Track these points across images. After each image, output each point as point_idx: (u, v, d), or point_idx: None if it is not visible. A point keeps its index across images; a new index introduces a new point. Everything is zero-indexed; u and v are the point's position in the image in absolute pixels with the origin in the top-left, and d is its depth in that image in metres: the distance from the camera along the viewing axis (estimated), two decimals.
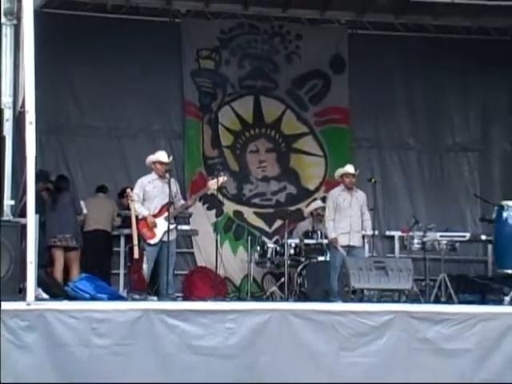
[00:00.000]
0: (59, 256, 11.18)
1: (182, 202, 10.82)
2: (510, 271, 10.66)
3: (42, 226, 10.33)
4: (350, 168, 11.31)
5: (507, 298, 10.39)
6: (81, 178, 13.04)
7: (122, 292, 11.08)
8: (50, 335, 8.02)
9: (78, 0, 12.79)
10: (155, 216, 10.39)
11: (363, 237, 11.20)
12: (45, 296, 9.32)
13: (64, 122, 13.14)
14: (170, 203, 10.35)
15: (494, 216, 11.00)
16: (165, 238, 10.30)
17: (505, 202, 10.96)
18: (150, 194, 10.47)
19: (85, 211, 11.68)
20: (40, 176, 10.01)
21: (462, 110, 14.32)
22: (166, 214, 10.33)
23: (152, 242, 10.36)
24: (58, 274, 11.11)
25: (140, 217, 10.43)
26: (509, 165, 14.24)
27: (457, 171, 14.28)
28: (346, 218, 11.06)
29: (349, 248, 11.01)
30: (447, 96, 14.21)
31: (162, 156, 10.68)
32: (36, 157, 8.33)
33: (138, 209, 10.45)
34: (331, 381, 8.46)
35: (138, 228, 10.41)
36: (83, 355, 8.05)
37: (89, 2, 13.00)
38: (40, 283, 9.11)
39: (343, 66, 14.03)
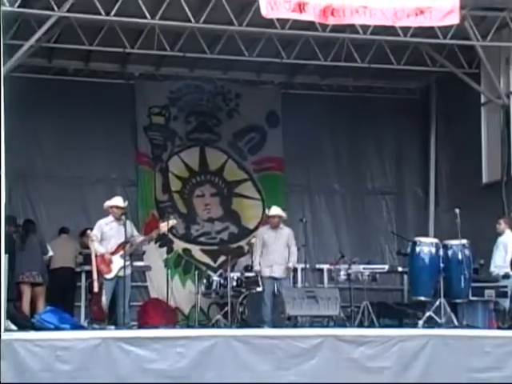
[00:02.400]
0: (26, 291, 10.96)
1: (141, 238, 10.74)
2: (422, 298, 10.77)
3: (12, 264, 10.14)
4: (273, 211, 11.28)
5: (421, 322, 10.48)
6: (46, 220, 12.87)
7: (84, 322, 10.90)
8: (17, 362, 7.86)
9: (42, 65, 12.76)
10: (112, 254, 10.28)
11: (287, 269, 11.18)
12: (13, 327, 9.12)
13: (30, 172, 12.99)
14: (126, 242, 10.27)
15: (408, 250, 11.12)
16: (121, 273, 10.19)
17: (417, 238, 11.12)
18: (107, 234, 10.37)
19: (51, 253, 11.51)
20: (9, 220, 9.86)
21: (379, 159, 14.49)
22: (122, 251, 10.24)
23: (109, 276, 10.24)
24: (26, 307, 10.89)
25: (98, 254, 10.31)
26: (420, 206, 14.46)
27: (376, 212, 14.41)
28: (270, 252, 11.06)
29: (273, 279, 10.98)
30: (366, 147, 14.38)
31: (118, 201, 10.61)
32: (5, 203, 8.22)
33: (97, 247, 10.35)
34: None
35: (96, 264, 10.29)
36: (47, 379, 7.90)
37: (52, 66, 12.99)
38: (9, 316, 8.92)
39: (277, 120, 14.14)
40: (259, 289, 11.53)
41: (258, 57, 12.01)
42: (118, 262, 10.24)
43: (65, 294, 11.72)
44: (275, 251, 11.01)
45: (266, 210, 11.45)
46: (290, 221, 11.48)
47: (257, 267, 11.13)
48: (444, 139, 14.05)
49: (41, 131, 12.96)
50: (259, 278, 11.13)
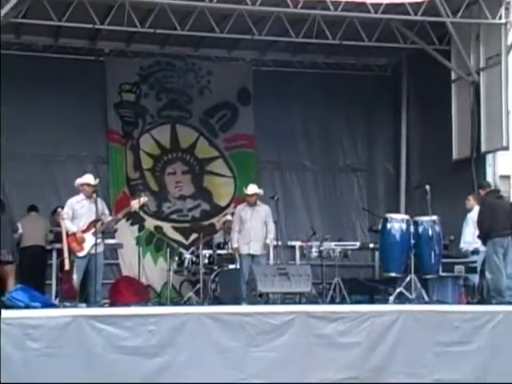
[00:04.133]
0: None
1: (110, 217, 10.66)
2: (393, 274, 10.82)
3: None
4: (250, 189, 11.25)
5: (391, 298, 10.53)
6: (15, 199, 12.71)
7: (55, 300, 10.82)
8: None
9: (10, 41, 12.55)
10: (83, 232, 10.19)
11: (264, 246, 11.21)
12: None
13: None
14: (97, 220, 10.18)
15: (379, 227, 11.16)
16: (92, 251, 10.12)
17: (388, 215, 11.16)
18: (78, 212, 10.27)
19: (20, 231, 11.42)
20: None
21: (350, 136, 14.50)
22: (94, 229, 10.16)
23: (81, 254, 10.16)
24: None
25: (69, 233, 10.22)
26: (391, 183, 14.51)
27: (347, 189, 14.44)
28: (248, 229, 11.05)
29: (250, 256, 10.99)
30: (338, 124, 14.38)
31: (89, 179, 10.49)
32: None
33: (68, 226, 10.24)
34: (240, 374, 8.45)
35: (68, 243, 10.20)
36: (18, 358, 7.85)
37: (21, 41, 12.79)
38: None
39: (249, 98, 14.07)
40: (232, 266, 11.54)
41: (229, 33, 11.91)
42: (89, 240, 10.15)
43: (35, 272, 11.63)
44: (252, 228, 11.01)
45: (244, 189, 11.41)
46: (261, 198, 11.45)
47: (235, 244, 11.13)
48: (415, 116, 14.08)
49: (9, 108, 12.71)
50: (237, 255, 11.11)
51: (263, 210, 11.15)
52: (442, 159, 12.74)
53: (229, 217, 12.58)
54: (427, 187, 10.80)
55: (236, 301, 10.53)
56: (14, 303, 9.22)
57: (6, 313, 8.28)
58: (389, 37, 12.42)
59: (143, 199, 10.67)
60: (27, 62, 12.81)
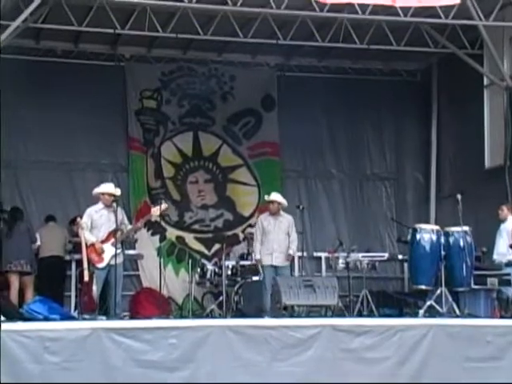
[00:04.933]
0: (14, 280, 10.98)
1: (130, 226, 10.71)
2: (423, 287, 10.76)
3: None
4: (273, 196, 11.30)
5: (421, 311, 10.49)
6: (34, 208, 12.86)
7: (74, 312, 10.91)
8: (5, 354, 7.86)
9: (30, 46, 12.70)
10: (102, 242, 10.27)
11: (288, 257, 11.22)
12: (1, 318, 9.13)
13: (17, 158, 12.93)
14: (116, 230, 10.25)
15: (408, 238, 11.12)
16: (112, 262, 10.19)
17: (418, 225, 11.11)
18: (97, 222, 10.34)
19: (38, 242, 11.53)
20: None
21: (378, 144, 14.49)
22: (113, 239, 10.23)
23: (100, 266, 10.24)
24: (14, 297, 10.90)
25: (88, 243, 10.30)
26: (420, 192, 14.46)
27: (375, 198, 14.42)
28: (270, 240, 11.08)
29: (273, 267, 11.01)
30: (365, 131, 14.39)
31: (109, 188, 10.57)
32: None
33: (87, 236, 10.32)
34: None
35: (87, 253, 10.29)
36: (36, 372, 7.92)
37: (40, 47, 12.94)
38: None
39: (273, 104, 14.12)
40: (255, 278, 11.57)
41: (252, 38, 11.97)
42: (109, 251, 10.23)
43: (54, 283, 11.73)
44: (275, 239, 11.04)
45: (265, 196, 11.45)
46: (285, 208, 11.47)
47: (257, 255, 11.17)
48: (446, 123, 14.03)
49: (28, 115, 12.89)
50: (259, 267, 11.14)
51: (286, 221, 11.17)
52: (474, 167, 12.69)
53: (250, 229, 12.62)
54: (458, 196, 10.74)
55: (259, 314, 10.55)
56: (32, 315, 9.31)
57: (24, 325, 8.38)
58: (418, 41, 12.41)
59: (164, 206, 10.73)
60: (46, 67, 12.93)
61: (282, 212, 11.21)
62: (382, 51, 12.74)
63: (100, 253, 10.21)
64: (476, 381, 8.85)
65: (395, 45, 12.24)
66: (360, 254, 11.87)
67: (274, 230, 11.08)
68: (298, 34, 12.13)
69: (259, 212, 13.50)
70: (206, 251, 13.52)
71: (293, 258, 11.43)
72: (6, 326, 8.12)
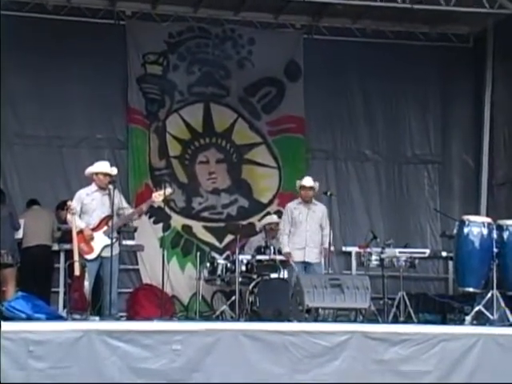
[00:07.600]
0: None
1: (131, 210, 10.72)
2: (471, 290, 10.77)
3: None
4: (306, 181, 11.34)
5: (468, 318, 10.50)
6: (18, 190, 12.91)
7: (62, 312, 10.97)
8: None
9: (15, 0, 12.72)
10: (94, 230, 10.30)
11: (321, 252, 11.22)
12: None
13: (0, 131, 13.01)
14: (111, 216, 10.24)
15: (454, 231, 11.10)
16: (105, 253, 10.22)
17: (466, 217, 11.08)
18: (87, 207, 10.37)
19: (21, 231, 11.56)
20: None
21: (421, 121, 14.49)
22: (106, 227, 10.24)
23: (90, 257, 10.28)
24: None
25: (77, 230, 10.32)
26: (469, 178, 14.43)
27: (416, 184, 14.43)
28: (302, 232, 11.09)
29: (304, 264, 11.03)
30: (406, 106, 14.40)
31: (104, 167, 10.58)
32: None
33: (77, 222, 10.35)
34: None
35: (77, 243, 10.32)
36: (18, 379, 7.97)
37: (28, 1, 12.95)
38: None
39: (298, 72, 14.12)
40: (274, 275, 11.59)
41: None
42: (101, 240, 10.28)
43: (40, 277, 11.77)
44: (307, 231, 11.05)
45: (297, 181, 11.45)
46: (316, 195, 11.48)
47: (286, 249, 11.19)
48: (501, 97, 13.99)
49: (11, 83, 12.90)
50: (291, 262, 11.20)
51: (319, 210, 11.22)
52: None
53: (274, 217, 12.62)
54: None
55: (279, 317, 10.57)
56: (13, 314, 9.37)
57: (4, 325, 8.41)
58: (472, 0, 12.34)
59: (168, 191, 10.76)
60: (34, 25, 12.95)
61: (314, 200, 11.22)
62: (429, 12, 12.70)
63: (89, 241, 10.21)
64: None
65: (444, 4, 12.20)
66: (397, 250, 11.89)
67: (306, 220, 11.08)
68: None
69: (279, 199, 13.53)
70: (216, 243, 13.57)
71: (329, 253, 11.35)
72: None
